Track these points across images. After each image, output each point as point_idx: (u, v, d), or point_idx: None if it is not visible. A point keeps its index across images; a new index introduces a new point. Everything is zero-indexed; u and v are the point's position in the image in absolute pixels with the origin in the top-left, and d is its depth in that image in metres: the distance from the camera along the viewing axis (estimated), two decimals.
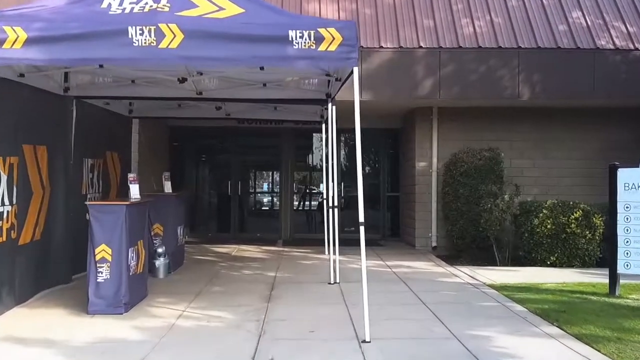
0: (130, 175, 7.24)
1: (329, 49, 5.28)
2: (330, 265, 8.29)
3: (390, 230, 13.96)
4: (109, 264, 6.42)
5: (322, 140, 14.49)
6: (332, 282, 8.12)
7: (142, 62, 5.40)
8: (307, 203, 14.52)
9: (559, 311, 6.35)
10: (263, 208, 14.88)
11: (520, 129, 11.98)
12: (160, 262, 8.52)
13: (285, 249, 11.90)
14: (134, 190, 7.16)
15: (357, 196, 13.79)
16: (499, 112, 11.84)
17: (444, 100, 11.11)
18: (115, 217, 6.43)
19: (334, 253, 8.32)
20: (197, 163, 14.39)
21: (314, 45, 5.25)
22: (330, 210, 8.42)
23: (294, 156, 14.05)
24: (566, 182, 11.91)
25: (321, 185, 13.82)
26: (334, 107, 8.17)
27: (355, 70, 5.61)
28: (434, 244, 11.94)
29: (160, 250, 8.58)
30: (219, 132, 14.22)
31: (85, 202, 6.63)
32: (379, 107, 11.85)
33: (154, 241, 8.84)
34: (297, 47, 5.23)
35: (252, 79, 7.97)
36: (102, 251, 6.42)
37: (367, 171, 14.46)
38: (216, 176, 14.72)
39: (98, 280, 6.41)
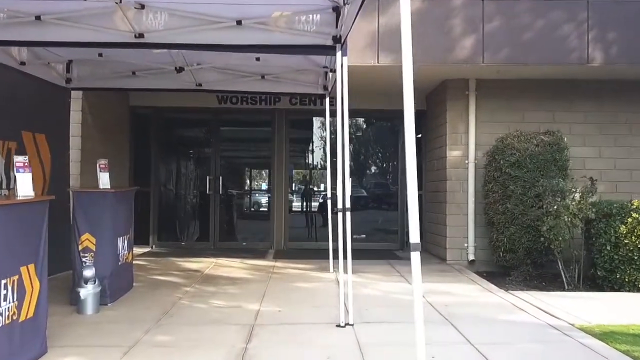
0: (18, 160, 4.47)
1: None
2: (340, 293, 5.52)
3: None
4: None
5: (323, 125, 11.72)
6: (343, 323, 5.34)
7: None
8: (305, 204, 11.69)
9: None
10: (251, 210, 12.07)
11: (582, 108, 9.20)
12: (87, 292, 5.74)
13: (278, 264, 9.12)
14: (23, 183, 4.42)
15: (365, 197, 11.00)
16: (555, 87, 9.09)
17: (488, 66, 8.32)
18: None
19: (345, 271, 5.57)
20: (167, 155, 11.52)
21: None
22: (340, 215, 5.64)
23: (289, 146, 11.21)
24: None
25: (324, 182, 11.05)
26: (345, 59, 5.37)
27: None
28: (470, 257, 9.15)
29: (88, 273, 5.81)
30: (196, 116, 11.48)
31: None
32: (397, 79, 9.12)
33: (82, 259, 6.07)
34: None
35: (220, 14, 5.22)
36: None
37: (377, 166, 11.72)
38: (192, 171, 11.92)
39: None
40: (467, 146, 9.24)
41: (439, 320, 5.63)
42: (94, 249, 6.10)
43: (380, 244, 11.02)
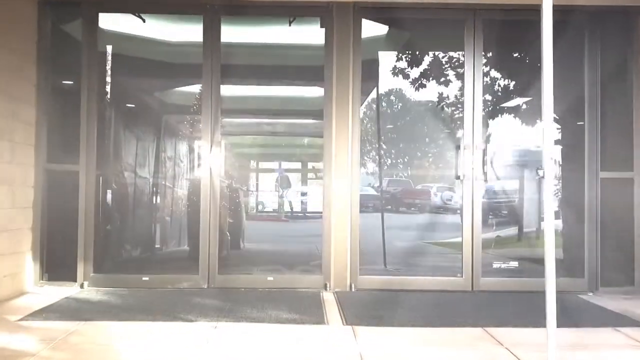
0: None
1: None
2: None
3: (601, 263, 5.51)
4: None
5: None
6: None
7: None
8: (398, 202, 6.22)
9: None
10: (278, 213, 6.67)
11: None
12: None
13: (364, 347, 3.69)
14: None
15: (509, 192, 5.48)
16: None
17: None
18: None
19: None
20: (116, 102, 6.03)
21: None
22: None
23: (362, 89, 5.60)
24: None
25: (460, 153, 5.61)
26: None
27: None
28: None
29: None
30: (172, 25, 6.07)
31: None
32: None
33: None
34: None
35: None
36: None
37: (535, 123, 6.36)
38: (166, 136, 6.51)
39: None
40: None
41: None
42: None
43: (557, 279, 5.57)
